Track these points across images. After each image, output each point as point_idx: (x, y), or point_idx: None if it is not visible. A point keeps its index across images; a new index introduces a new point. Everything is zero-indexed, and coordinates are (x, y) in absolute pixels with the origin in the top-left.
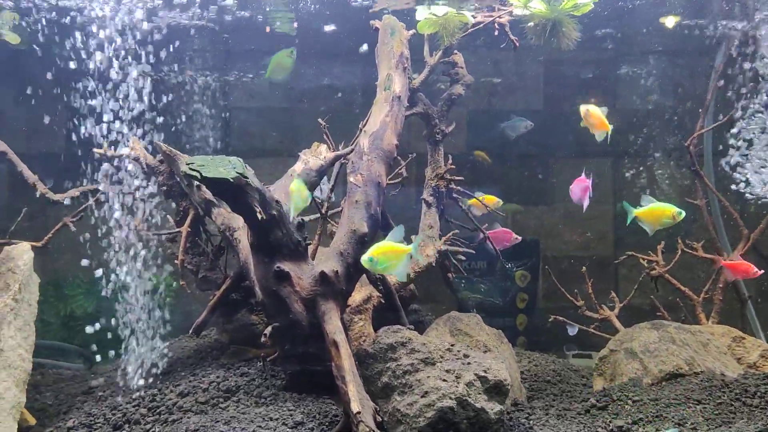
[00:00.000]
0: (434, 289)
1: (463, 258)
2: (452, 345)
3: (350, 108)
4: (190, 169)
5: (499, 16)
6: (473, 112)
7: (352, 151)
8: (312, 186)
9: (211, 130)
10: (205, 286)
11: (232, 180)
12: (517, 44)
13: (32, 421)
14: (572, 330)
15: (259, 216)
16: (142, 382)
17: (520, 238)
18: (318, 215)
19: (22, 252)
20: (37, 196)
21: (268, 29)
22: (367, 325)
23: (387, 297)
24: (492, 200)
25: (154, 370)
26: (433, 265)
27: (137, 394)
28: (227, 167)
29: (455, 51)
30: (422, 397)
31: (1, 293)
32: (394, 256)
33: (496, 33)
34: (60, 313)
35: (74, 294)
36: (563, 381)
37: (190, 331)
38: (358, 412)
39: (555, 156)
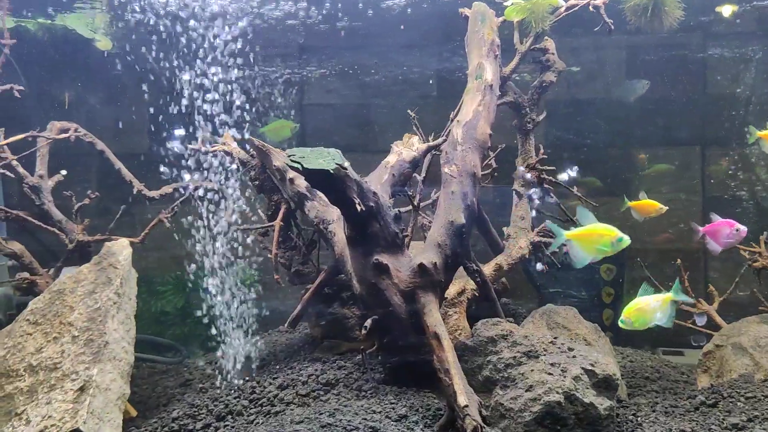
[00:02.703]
0: (515, 283)
1: (557, 250)
2: (555, 338)
3: (426, 101)
4: (292, 161)
5: None
6: (552, 103)
7: (444, 142)
8: (406, 177)
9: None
10: (298, 280)
11: (332, 171)
12: (612, 27)
13: (134, 412)
14: (701, 319)
15: (359, 207)
16: (238, 374)
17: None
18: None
19: (122, 248)
20: (134, 193)
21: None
22: (461, 318)
23: (483, 289)
24: (654, 206)
25: (249, 364)
26: (527, 257)
27: (236, 386)
28: (326, 159)
29: (546, 37)
30: (527, 391)
31: (104, 287)
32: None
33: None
34: (151, 308)
35: (164, 290)
36: (663, 377)
37: (286, 325)
38: (466, 406)
39: (639, 146)
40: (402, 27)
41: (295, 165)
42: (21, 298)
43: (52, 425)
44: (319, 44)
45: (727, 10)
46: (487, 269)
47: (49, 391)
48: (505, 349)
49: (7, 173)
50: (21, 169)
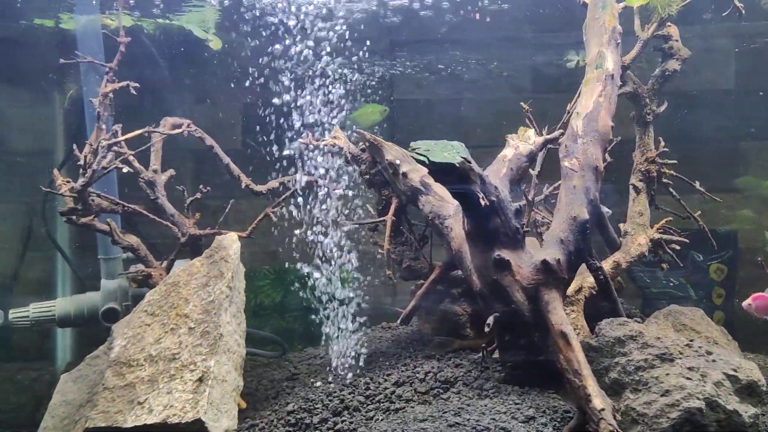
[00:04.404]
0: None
1: (678, 247)
2: (691, 341)
3: (519, 95)
4: (417, 153)
5: None
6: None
7: (561, 135)
8: (523, 171)
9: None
10: (409, 275)
11: (458, 165)
12: (743, 12)
13: (243, 404)
14: None
15: (482, 202)
16: (347, 370)
17: None
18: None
19: (232, 242)
20: (242, 188)
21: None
22: (579, 317)
23: (604, 287)
24: None
25: (357, 360)
26: (646, 254)
27: (348, 382)
28: (451, 152)
29: (669, 23)
30: (662, 396)
31: (216, 280)
32: None
33: None
34: (251, 302)
35: (263, 284)
36: None
37: (398, 321)
38: (602, 409)
39: (748, 139)
40: (488, 20)
41: (421, 158)
42: (136, 290)
43: (174, 414)
44: (409, 39)
45: None
46: (605, 267)
47: (169, 381)
48: (635, 351)
49: (127, 168)
50: (137, 164)
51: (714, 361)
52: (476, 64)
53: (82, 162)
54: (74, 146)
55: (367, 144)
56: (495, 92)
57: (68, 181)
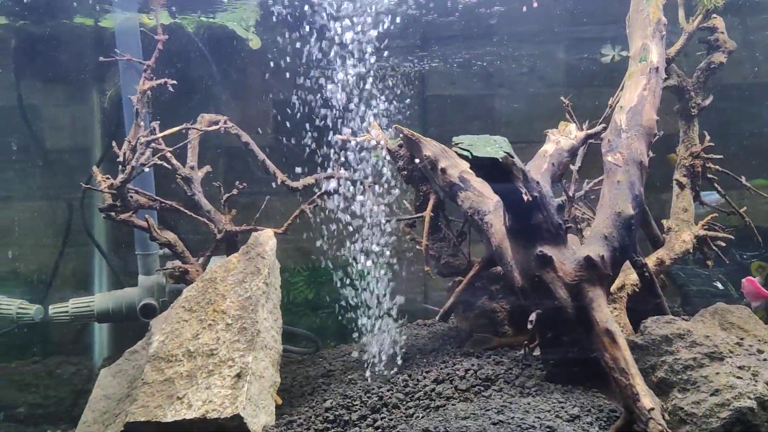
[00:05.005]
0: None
1: (723, 244)
2: (742, 339)
3: (552, 89)
4: (460, 148)
5: None
6: None
7: (603, 130)
8: (564, 167)
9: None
10: (448, 271)
11: (500, 159)
12: None
13: (279, 401)
14: None
15: (525, 197)
16: (382, 366)
17: None
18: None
19: (268, 238)
20: (278, 183)
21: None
22: (622, 315)
23: (649, 285)
24: None
25: (393, 356)
26: (690, 252)
27: (386, 378)
28: (494, 147)
29: (714, 15)
30: (711, 395)
31: (253, 277)
32: None
33: None
34: (283, 299)
35: (296, 281)
36: None
37: (437, 318)
38: (652, 409)
39: None
40: (524, 8)
41: (464, 153)
42: (173, 285)
43: (213, 410)
44: (442, 34)
45: None
46: (648, 263)
47: (207, 376)
48: (683, 349)
49: (164, 164)
50: (174, 161)
51: (765, 359)
52: (509, 59)
53: (121, 159)
54: (113, 143)
55: (405, 139)
56: (527, 87)
57: (107, 178)
